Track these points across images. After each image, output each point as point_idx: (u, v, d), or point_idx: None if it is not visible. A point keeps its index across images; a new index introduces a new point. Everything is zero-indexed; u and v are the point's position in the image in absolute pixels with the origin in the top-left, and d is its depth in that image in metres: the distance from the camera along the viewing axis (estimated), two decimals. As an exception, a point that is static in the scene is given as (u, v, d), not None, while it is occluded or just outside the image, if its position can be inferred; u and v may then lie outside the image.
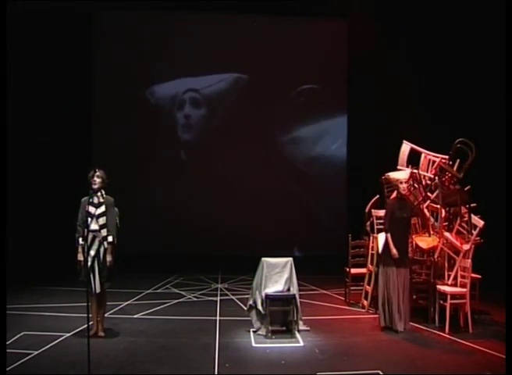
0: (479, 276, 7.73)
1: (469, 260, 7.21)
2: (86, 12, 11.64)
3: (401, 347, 6.56)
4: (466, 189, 7.92)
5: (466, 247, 7.39)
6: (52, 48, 11.02)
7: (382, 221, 8.18)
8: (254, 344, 6.60)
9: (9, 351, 5.78)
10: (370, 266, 8.29)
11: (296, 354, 6.28)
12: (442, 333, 7.01)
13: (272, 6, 11.89)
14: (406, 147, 8.41)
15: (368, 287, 8.26)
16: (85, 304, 5.58)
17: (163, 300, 8.71)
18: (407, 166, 8.27)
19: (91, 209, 6.50)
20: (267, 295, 6.91)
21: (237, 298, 8.88)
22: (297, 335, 6.91)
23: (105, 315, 7.03)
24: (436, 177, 7.95)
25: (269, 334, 6.83)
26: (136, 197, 12.10)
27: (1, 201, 6.48)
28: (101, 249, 6.57)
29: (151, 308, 8.23)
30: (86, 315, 5.56)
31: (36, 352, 6.05)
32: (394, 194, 7.88)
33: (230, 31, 12.36)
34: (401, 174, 7.91)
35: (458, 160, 8.03)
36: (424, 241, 7.82)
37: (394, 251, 7.09)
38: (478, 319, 7.53)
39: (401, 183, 7.33)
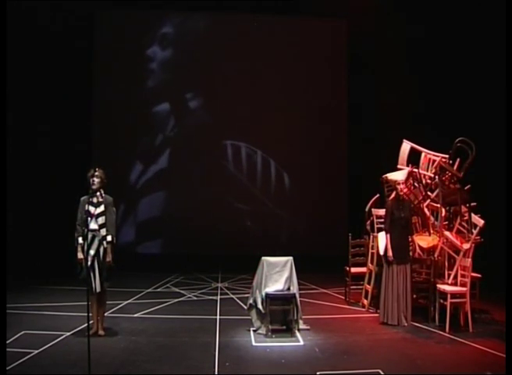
0: (479, 276, 7.73)
1: (469, 259, 7.22)
2: (86, 11, 11.62)
3: (401, 346, 6.55)
4: (466, 188, 7.93)
5: (466, 246, 7.39)
6: (52, 47, 11.00)
7: (382, 220, 8.19)
8: (254, 343, 6.59)
9: (9, 351, 5.78)
10: (370, 265, 8.29)
11: (296, 353, 6.28)
12: (442, 333, 7.01)
13: (272, 6, 11.90)
14: (406, 146, 8.41)
15: (368, 286, 8.26)
16: (85, 303, 5.58)
17: (163, 299, 8.72)
18: (408, 165, 8.27)
19: (91, 209, 6.52)
20: (267, 294, 6.90)
21: (237, 297, 8.88)
22: (297, 334, 6.91)
23: (105, 314, 7.03)
24: (436, 176, 7.95)
25: (269, 333, 6.83)
26: (136, 196, 12.12)
27: (1, 201, 6.48)
28: (101, 249, 6.58)
29: (151, 307, 8.23)
30: (86, 314, 5.55)
31: (36, 351, 6.05)
32: (393, 195, 7.89)
33: (230, 31, 12.35)
34: (399, 175, 7.93)
35: (458, 159, 8.04)
36: (424, 240, 7.84)
37: (390, 253, 7.33)
38: (478, 319, 7.53)
39: (398, 184, 7.49)
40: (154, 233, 12.17)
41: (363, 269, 8.52)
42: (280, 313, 7.05)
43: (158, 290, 9.53)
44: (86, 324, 5.69)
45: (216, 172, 12.34)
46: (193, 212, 12.07)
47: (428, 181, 8.13)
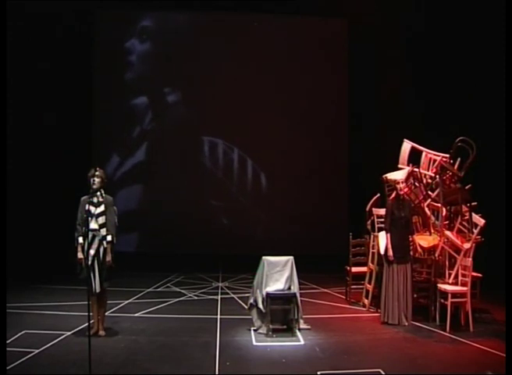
0: (480, 275, 7.72)
1: (470, 259, 7.21)
2: (85, 10, 11.61)
3: (402, 345, 6.55)
4: (467, 188, 7.93)
5: (467, 246, 7.39)
6: (52, 46, 10.99)
7: (382, 220, 8.19)
8: (254, 343, 6.59)
9: (10, 350, 5.78)
10: (371, 265, 8.29)
11: (296, 352, 6.28)
12: (442, 332, 7.01)
13: (272, 6, 11.88)
14: (407, 145, 8.41)
15: (368, 285, 8.26)
16: (86, 302, 5.58)
17: (164, 299, 8.71)
18: (408, 165, 8.27)
19: (91, 208, 6.52)
20: (268, 294, 6.90)
21: (238, 297, 8.88)
22: (298, 334, 6.90)
23: (106, 313, 7.03)
24: (437, 176, 7.95)
25: (270, 333, 6.82)
26: (136, 196, 12.12)
27: (2, 201, 6.48)
28: (101, 248, 6.58)
29: (152, 306, 8.22)
30: (86, 313, 5.56)
31: (37, 351, 6.04)
32: (393, 194, 7.89)
33: (230, 31, 12.33)
34: (398, 174, 7.93)
35: (459, 159, 8.03)
36: (425, 240, 7.83)
37: (390, 252, 7.33)
38: (478, 318, 7.53)
39: (398, 184, 7.48)
40: (154, 231, 12.16)
41: (363, 269, 8.52)
42: (281, 313, 7.05)
43: (159, 289, 9.53)
44: (86, 324, 5.70)
45: (217, 171, 12.30)
46: (194, 212, 12.07)
47: (429, 181, 8.13)
